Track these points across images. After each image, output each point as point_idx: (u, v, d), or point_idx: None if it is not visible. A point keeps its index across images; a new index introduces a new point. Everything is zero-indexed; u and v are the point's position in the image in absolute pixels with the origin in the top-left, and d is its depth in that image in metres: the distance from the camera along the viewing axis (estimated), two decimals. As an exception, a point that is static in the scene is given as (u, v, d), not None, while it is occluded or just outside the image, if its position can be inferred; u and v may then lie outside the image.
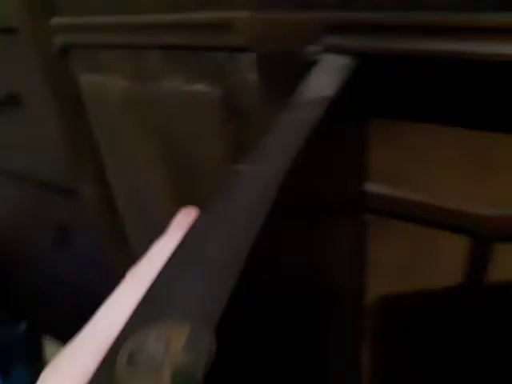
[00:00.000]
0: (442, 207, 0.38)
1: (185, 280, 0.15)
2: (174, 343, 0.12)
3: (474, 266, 0.40)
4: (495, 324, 0.41)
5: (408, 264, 0.43)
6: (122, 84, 0.44)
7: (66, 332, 0.32)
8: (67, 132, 0.54)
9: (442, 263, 0.41)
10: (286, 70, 0.34)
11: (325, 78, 0.30)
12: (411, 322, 0.45)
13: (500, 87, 0.30)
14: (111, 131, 0.49)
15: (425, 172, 0.38)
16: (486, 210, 0.36)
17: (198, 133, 0.40)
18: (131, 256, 0.63)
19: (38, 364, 1.13)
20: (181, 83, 0.39)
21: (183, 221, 0.28)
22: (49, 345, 1.17)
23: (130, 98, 0.45)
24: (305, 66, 0.32)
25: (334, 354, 0.41)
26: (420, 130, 0.35)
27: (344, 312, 0.43)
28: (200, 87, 0.38)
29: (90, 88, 0.48)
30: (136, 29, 0.42)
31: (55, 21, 0.47)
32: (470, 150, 0.35)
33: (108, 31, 0.44)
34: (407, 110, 0.35)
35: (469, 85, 0.31)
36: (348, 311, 0.45)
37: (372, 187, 0.41)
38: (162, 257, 0.16)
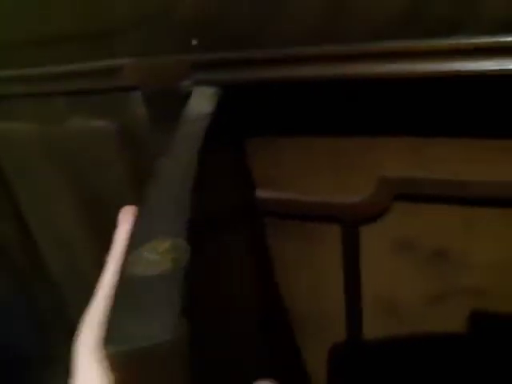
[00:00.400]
0: (315, 202, 0.47)
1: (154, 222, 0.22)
2: (162, 249, 0.19)
3: (347, 249, 0.49)
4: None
5: (302, 258, 0.51)
6: (31, 128, 0.50)
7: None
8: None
9: (323, 252, 0.50)
10: (167, 103, 0.41)
11: (200, 102, 0.38)
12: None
13: (351, 103, 0.40)
14: (23, 172, 0.54)
15: (300, 176, 0.47)
16: (347, 199, 0.45)
17: (101, 162, 0.47)
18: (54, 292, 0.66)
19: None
20: (83, 121, 0.46)
21: (127, 215, 0.34)
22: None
23: (39, 139, 0.50)
24: (182, 98, 0.40)
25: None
26: (293, 143, 0.44)
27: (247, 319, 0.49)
28: (99, 123, 0.45)
29: (1, 134, 0.54)
30: (40, 79, 0.48)
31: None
32: (331, 155, 0.44)
33: (14, 83, 0.49)
34: (283, 127, 0.44)
35: (321, 102, 0.40)
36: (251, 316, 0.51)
37: (262, 193, 0.49)
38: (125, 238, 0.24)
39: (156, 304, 0.17)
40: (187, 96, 0.40)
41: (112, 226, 0.51)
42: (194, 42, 0.38)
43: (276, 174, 0.46)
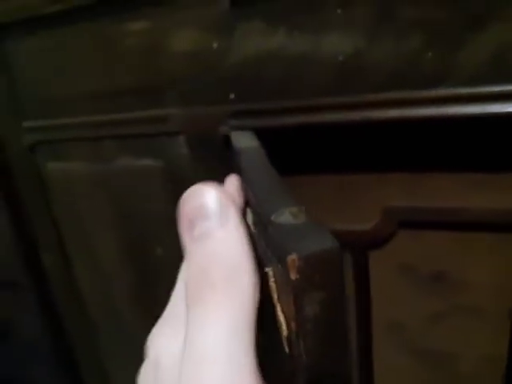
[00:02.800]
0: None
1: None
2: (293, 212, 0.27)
3: (358, 273, 0.57)
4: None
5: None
6: (83, 167, 0.60)
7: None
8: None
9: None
10: (207, 145, 0.51)
11: (243, 140, 0.47)
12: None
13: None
14: (72, 206, 0.64)
15: (313, 209, 0.56)
16: (356, 227, 0.54)
17: (146, 198, 0.56)
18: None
19: None
20: (131, 160, 0.56)
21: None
22: None
23: (91, 177, 0.60)
24: (221, 141, 0.50)
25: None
26: (307, 180, 0.53)
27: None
28: (146, 162, 0.55)
29: (55, 173, 0.63)
30: (93, 125, 0.58)
31: (26, 124, 0.62)
32: (342, 189, 0.54)
33: (69, 129, 0.60)
34: (299, 166, 0.53)
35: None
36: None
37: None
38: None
39: (314, 232, 0.23)
40: (224, 139, 0.49)
41: (150, 256, 0.59)
42: (232, 96, 0.48)
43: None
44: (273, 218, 0.27)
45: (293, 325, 0.24)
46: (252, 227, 0.32)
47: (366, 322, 0.58)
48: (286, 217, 0.27)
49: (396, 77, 0.43)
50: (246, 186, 0.35)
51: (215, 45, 0.47)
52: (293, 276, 0.22)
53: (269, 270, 0.26)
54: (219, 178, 0.51)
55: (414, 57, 0.42)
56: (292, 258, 0.22)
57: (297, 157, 0.52)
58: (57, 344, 0.81)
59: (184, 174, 0.53)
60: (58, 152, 0.62)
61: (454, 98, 0.42)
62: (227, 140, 0.49)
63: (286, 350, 0.25)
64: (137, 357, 0.65)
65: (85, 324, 0.74)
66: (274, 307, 0.27)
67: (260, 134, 0.49)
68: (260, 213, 0.29)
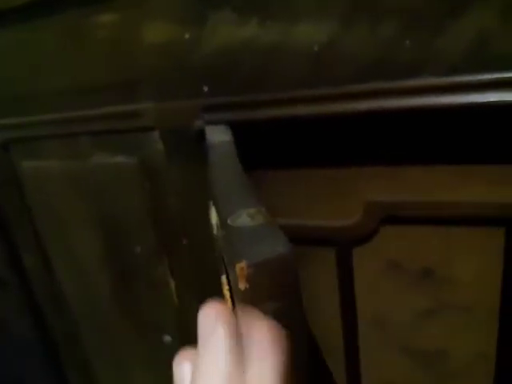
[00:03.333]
0: (310, 226, 0.54)
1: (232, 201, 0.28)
2: (251, 213, 0.25)
3: (342, 270, 0.56)
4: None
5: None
6: (59, 165, 0.59)
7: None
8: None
9: (317, 275, 0.57)
10: (182, 140, 0.50)
11: (217, 134, 0.46)
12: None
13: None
14: (49, 204, 0.62)
15: (295, 204, 0.55)
16: (338, 223, 0.53)
17: (123, 194, 0.55)
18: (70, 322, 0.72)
19: None
20: (106, 157, 0.54)
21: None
22: None
23: (66, 174, 0.59)
24: (195, 136, 0.49)
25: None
26: (288, 175, 0.52)
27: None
28: (121, 159, 0.53)
29: (31, 171, 0.62)
30: (67, 122, 0.57)
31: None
32: (322, 184, 0.52)
33: (44, 126, 0.58)
34: (279, 161, 0.52)
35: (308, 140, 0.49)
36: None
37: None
38: None
39: (268, 235, 0.23)
40: (199, 134, 0.48)
41: (129, 255, 0.58)
42: (205, 89, 0.47)
43: (273, 202, 0.54)
44: (229, 221, 0.26)
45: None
46: (215, 229, 0.31)
47: (352, 320, 0.57)
48: (242, 219, 0.26)
49: (373, 67, 0.41)
50: (211, 184, 0.34)
51: (187, 35, 0.46)
52: (242, 286, 0.21)
53: (223, 278, 0.25)
54: (194, 176, 0.51)
55: (391, 45, 0.40)
56: (241, 265, 0.21)
57: (275, 152, 0.51)
58: (42, 342, 0.80)
59: (160, 170, 0.51)
60: (32, 150, 0.61)
61: (433, 87, 0.40)
62: (202, 134, 0.47)
63: None
64: (119, 355, 0.64)
65: (69, 323, 0.73)
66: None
67: (236, 128, 0.47)
68: (218, 213, 0.28)
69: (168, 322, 0.58)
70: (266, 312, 0.22)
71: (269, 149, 0.51)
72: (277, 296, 0.22)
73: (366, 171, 0.50)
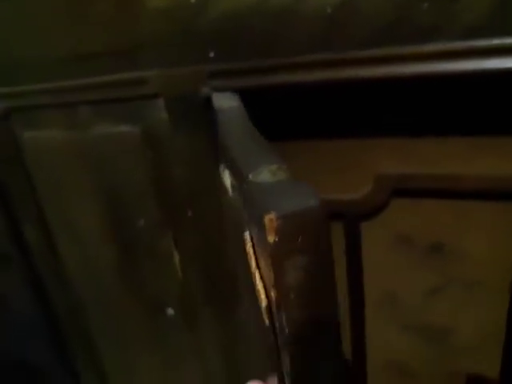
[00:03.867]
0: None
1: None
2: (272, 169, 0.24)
3: (350, 243, 0.55)
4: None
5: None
6: (60, 135, 0.57)
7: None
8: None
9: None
10: (187, 108, 0.49)
11: (225, 101, 0.44)
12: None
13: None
14: (51, 176, 0.61)
15: (304, 176, 0.53)
16: (347, 196, 0.52)
17: (125, 165, 0.54)
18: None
19: None
20: (108, 127, 0.53)
21: None
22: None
23: (67, 145, 0.58)
24: (201, 103, 0.47)
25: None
26: (297, 146, 0.51)
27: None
28: (124, 128, 0.52)
29: (32, 142, 0.61)
30: (67, 91, 0.55)
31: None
32: (332, 156, 0.51)
33: (45, 95, 0.57)
34: (288, 132, 0.51)
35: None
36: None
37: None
38: None
39: (295, 189, 0.22)
40: (205, 101, 0.47)
41: (132, 228, 0.57)
42: (212, 54, 0.46)
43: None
44: (250, 176, 0.25)
45: (273, 294, 0.22)
46: (230, 190, 0.31)
47: (359, 296, 0.56)
48: (264, 175, 0.25)
49: (388, 30, 0.40)
50: (225, 146, 0.33)
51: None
52: (271, 238, 0.20)
53: (246, 234, 0.24)
54: (201, 144, 0.50)
55: (408, 8, 0.39)
56: (270, 217, 0.20)
57: (283, 123, 0.50)
58: (45, 318, 0.80)
59: (164, 139, 0.50)
60: (33, 120, 0.59)
61: (449, 52, 0.39)
62: (208, 102, 0.46)
63: (266, 322, 0.24)
64: (123, 330, 0.64)
65: (71, 297, 0.73)
66: (252, 277, 0.25)
67: (244, 95, 0.46)
68: (237, 173, 0.27)
69: (171, 295, 0.58)
70: (295, 266, 0.21)
71: (276, 119, 0.49)
72: (307, 250, 0.21)
73: (375, 143, 0.49)
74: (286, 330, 0.22)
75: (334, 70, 0.43)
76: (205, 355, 0.59)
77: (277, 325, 0.23)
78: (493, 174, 0.47)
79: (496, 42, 0.37)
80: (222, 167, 0.34)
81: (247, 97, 0.45)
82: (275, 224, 0.20)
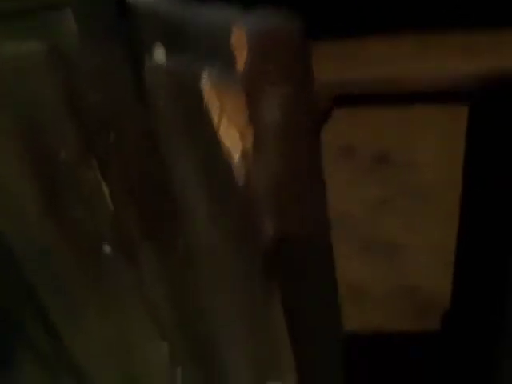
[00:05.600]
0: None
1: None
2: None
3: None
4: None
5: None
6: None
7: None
8: None
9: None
10: (100, 16, 0.44)
11: None
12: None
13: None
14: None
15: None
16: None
17: (36, 88, 0.48)
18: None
19: None
20: (10, 45, 0.47)
21: None
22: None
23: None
24: (115, 8, 0.43)
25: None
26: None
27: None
28: (29, 45, 0.47)
29: None
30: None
31: None
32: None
33: None
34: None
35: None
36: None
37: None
38: None
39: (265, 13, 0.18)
40: (120, 4, 0.42)
41: (54, 163, 0.53)
42: None
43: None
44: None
45: (248, 137, 0.19)
46: (164, 62, 0.26)
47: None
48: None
49: None
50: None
51: None
52: (241, 61, 0.16)
53: (203, 75, 0.20)
54: (117, 57, 0.45)
55: None
56: (238, 34, 0.16)
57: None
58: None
59: (75, 55, 0.45)
60: None
61: None
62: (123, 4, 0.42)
63: (241, 181, 0.20)
64: (62, 275, 0.60)
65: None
66: (213, 133, 0.21)
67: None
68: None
69: (105, 231, 0.55)
70: (274, 97, 0.17)
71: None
72: (286, 76, 0.17)
73: (315, 48, 0.46)
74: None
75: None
76: (147, 292, 0.57)
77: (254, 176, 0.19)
78: (437, 74, 0.45)
79: None
80: (153, 45, 0.29)
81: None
82: (245, 40, 0.16)
